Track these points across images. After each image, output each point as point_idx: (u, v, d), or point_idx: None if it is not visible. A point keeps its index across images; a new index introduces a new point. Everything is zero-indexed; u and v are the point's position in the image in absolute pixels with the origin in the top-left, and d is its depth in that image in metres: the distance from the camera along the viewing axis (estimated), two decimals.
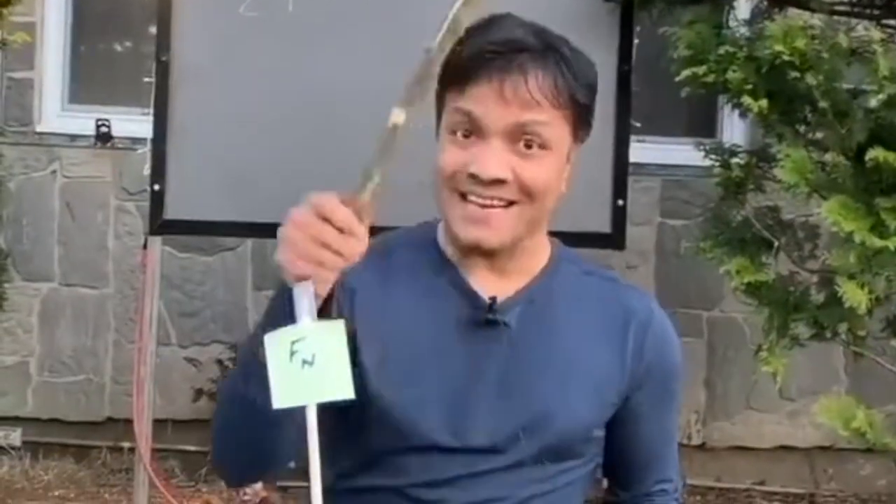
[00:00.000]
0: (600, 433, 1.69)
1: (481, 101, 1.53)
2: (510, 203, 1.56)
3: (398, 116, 1.38)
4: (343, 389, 1.43)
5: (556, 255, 1.69)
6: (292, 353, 1.43)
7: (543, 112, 1.54)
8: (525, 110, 1.53)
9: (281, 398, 1.44)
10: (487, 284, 1.62)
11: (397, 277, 1.64)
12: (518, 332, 1.61)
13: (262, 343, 1.41)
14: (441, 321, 1.62)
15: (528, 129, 1.54)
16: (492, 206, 1.55)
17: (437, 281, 1.63)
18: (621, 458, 1.75)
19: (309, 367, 1.42)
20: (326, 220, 1.37)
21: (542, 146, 1.55)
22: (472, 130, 1.55)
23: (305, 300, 1.46)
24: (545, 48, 1.55)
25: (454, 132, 1.56)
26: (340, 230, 1.37)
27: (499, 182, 1.54)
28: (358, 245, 1.38)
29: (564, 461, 1.65)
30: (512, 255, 1.62)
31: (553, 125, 1.55)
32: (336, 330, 1.45)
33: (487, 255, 1.60)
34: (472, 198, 1.55)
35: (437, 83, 1.55)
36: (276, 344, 1.44)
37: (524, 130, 1.54)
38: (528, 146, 1.54)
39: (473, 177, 1.54)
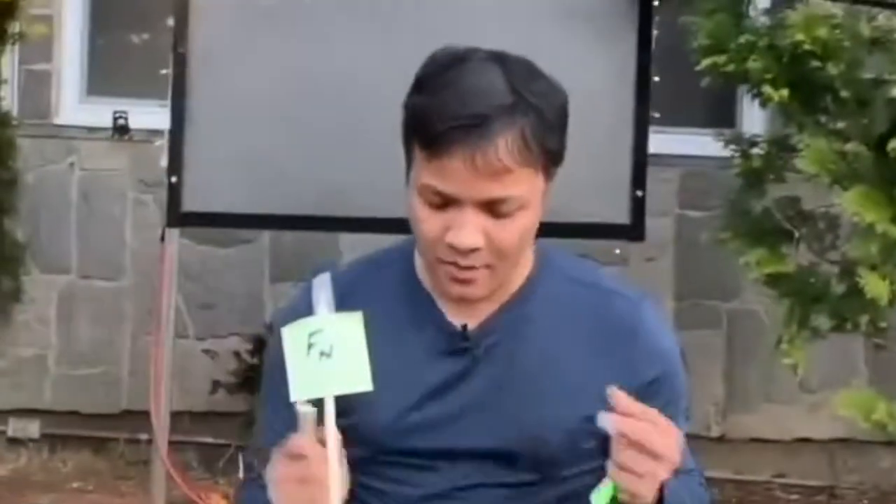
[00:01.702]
0: (590, 445, 1.61)
1: (451, 175, 1.51)
2: (487, 265, 1.57)
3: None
4: (361, 381, 1.44)
5: (540, 262, 1.68)
6: (310, 346, 1.44)
7: (514, 178, 1.52)
8: (496, 179, 1.51)
9: (299, 390, 1.44)
10: (465, 310, 1.63)
11: (371, 308, 1.57)
12: (494, 356, 1.61)
13: None
14: (416, 350, 1.63)
15: (500, 199, 1.52)
16: (472, 269, 1.56)
17: (411, 311, 1.65)
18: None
19: (327, 359, 1.43)
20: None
21: (518, 208, 1.54)
22: (446, 202, 1.54)
23: (323, 292, 1.47)
24: (513, 103, 1.51)
25: (424, 198, 1.55)
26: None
27: (474, 250, 1.54)
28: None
29: (551, 477, 1.62)
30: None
31: (525, 184, 1.54)
32: (354, 321, 1.45)
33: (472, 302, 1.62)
34: (452, 262, 1.56)
35: (404, 130, 1.57)
36: (293, 336, 1.45)
37: (497, 201, 1.53)
38: (501, 213, 1.54)
39: (451, 245, 1.54)
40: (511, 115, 1.50)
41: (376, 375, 1.49)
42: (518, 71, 1.54)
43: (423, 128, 1.52)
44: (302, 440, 1.45)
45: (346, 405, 1.49)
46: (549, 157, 1.56)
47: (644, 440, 1.44)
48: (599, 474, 1.51)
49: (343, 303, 1.54)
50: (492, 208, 1.53)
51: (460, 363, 1.62)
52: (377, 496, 1.63)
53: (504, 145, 1.49)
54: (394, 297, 1.66)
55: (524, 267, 1.66)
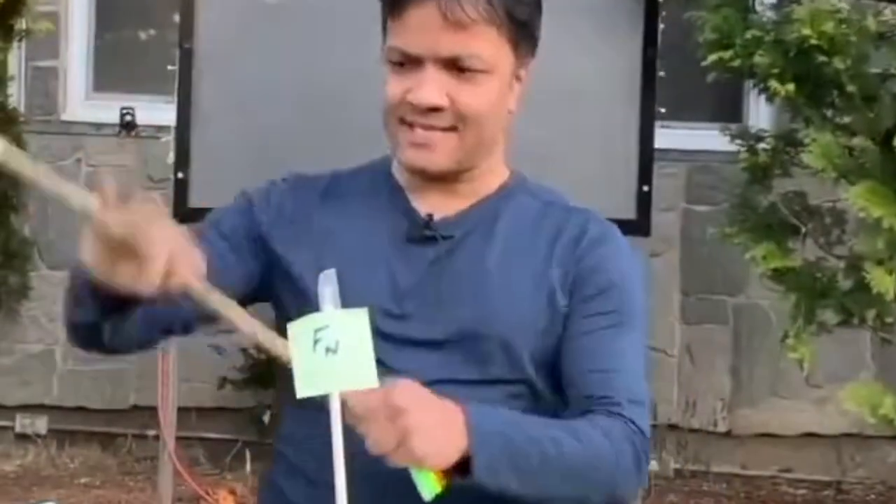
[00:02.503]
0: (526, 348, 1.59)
1: (414, 31, 1.54)
2: (449, 128, 1.56)
3: None
4: (366, 377, 1.43)
5: (513, 184, 1.68)
6: (316, 342, 1.43)
7: (478, 33, 1.53)
8: (459, 31, 1.52)
9: (304, 386, 1.44)
10: (434, 205, 1.62)
11: (340, 198, 1.66)
12: (454, 249, 1.61)
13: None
14: (379, 235, 1.62)
15: (462, 55, 1.54)
16: (432, 130, 1.56)
17: (380, 202, 1.65)
18: (562, 368, 1.60)
19: (332, 355, 1.43)
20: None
21: (481, 70, 1.55)
22: (407, 61, 1.56)
23: (328, 288, 1.47)
24: None
25: (391, 62, 1.58)
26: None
27: (436, 109, 1.55)
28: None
29: (493, 372, 1.58)
30: (460, 178, 1.62)
31: (489, 45, 1.55)
32: (360, 318, 1.45)
33: (435, 178, 1.60)
34: (415, 125, 1.56)
35: (381, 9, 1.61)
36: (300, 332, 1.45)
37: (458, 58, 1.54)
38: (464, 71, 1.54)
39: (411, 104, 1.55)
40: None
41: (343, 260, 1.53)
42: None
43: None
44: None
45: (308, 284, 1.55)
46: (518, 28, 1.57)
47: (371, 407, 1.38)
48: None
49: (326, 194, 1.65)
50: (454, 67, 1.54)
51: (426, 254, 1.61)
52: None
53: (467, 1, 1.52)
54: (368, 190, 1.67)
55: (497, 175, 1.66)
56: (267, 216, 1.67)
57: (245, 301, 1.59)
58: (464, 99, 1.55)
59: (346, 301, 1.45)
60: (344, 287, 1.47)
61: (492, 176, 1.66)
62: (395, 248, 1.62)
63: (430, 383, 1.45)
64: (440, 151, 1.57)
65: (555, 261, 1.61)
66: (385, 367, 1.45)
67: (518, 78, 1.61)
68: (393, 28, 1.57)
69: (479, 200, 1.64)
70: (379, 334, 1.46)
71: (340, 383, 1.43)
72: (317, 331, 1.44)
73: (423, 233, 1.61)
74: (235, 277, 1.63)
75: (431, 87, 1.54)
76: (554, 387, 1.61)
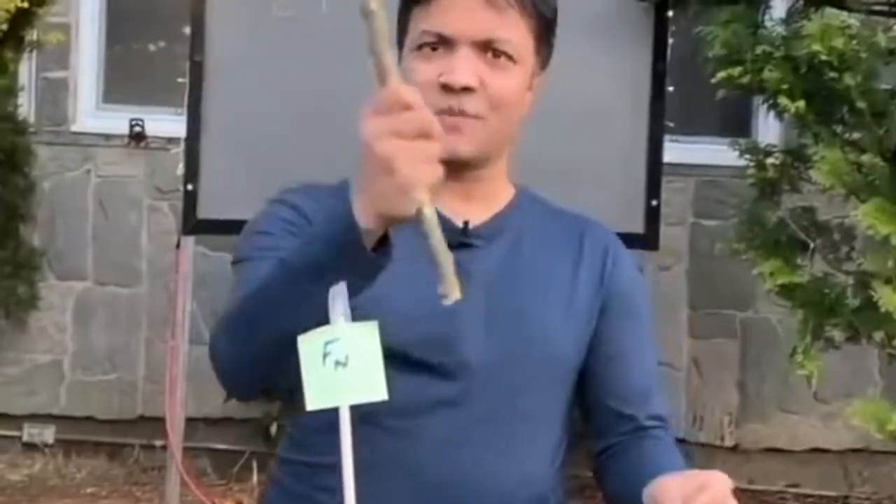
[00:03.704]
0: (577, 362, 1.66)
1: (448, 11, 1.55)
2: (476, 115, 1.56)
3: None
4: (376, 391, 1.42)
5: (521, 193, 1.70)
6: (325, 355, 1.42)
7: (512, 20, 1.56)
8: (495, 15, 1.55)
9: (314, 399, 1.43)
10: (456, 210, 1.61)
11: None
12: (493, 257, 1.62)
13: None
14: (414, 246, 1.53)
15: (497, 38, 1.56)
16: (462, 116, 1.55)
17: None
18: (608, 390, 1.68)
19: (342, 368, 1.41)
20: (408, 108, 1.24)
21: (510, 58, 1.57)
22: (440, 44, 1.56)
23: (339, 301, 1.45)
24: None
25: (420, 48, 1.57)
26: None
27: (468, 90, 1.55)
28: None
29: (546, 389, 1.63)
30: (479, 178, 1.62)
31: (520, 34, 1.57)
32: (370, 331, 1.43)
33: (458, 171, 1.56)
34: (445, 111, 1.54)
35: (399, 6, 1.59)
36: (309, 344, 1.43)
37: (493, 40, 1.56)
38: (497, 56, 1.56)
39: (444, 87, 1.54)
40: None
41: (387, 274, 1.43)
42: None
43: None
44: (407, 87, 1.24)
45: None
46: (543, 24, 1.60)
47: None
48: None
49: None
50: (487, 49, 1.55)
51: (464, 264, 1.51)
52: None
53: None
54: None
55: (506, 189, 1.68)
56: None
57: None
58: (495, 83, 1.56)
59: (394, 318, 1.45)
60: (391, 301, 1.47)
61: (503, 181, 1.67)
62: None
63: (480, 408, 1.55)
64: (468, 135, 1.56)
65: (582, 275, 1.65)
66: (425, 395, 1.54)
67: (533, 83, 1.63)
68: (422, 13, 1.57)
69: (501, 210, 1.66)
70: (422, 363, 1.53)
71: (350, 397, 1.42)
72: (326, 344, 1.42)
73: (461, 240, 1.59)
74: None
75: (467, 67, 1.54)
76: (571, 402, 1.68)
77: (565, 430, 1.67)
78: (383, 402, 1.47)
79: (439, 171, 1.24)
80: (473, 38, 1.55)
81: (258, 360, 1.49)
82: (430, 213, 1.26)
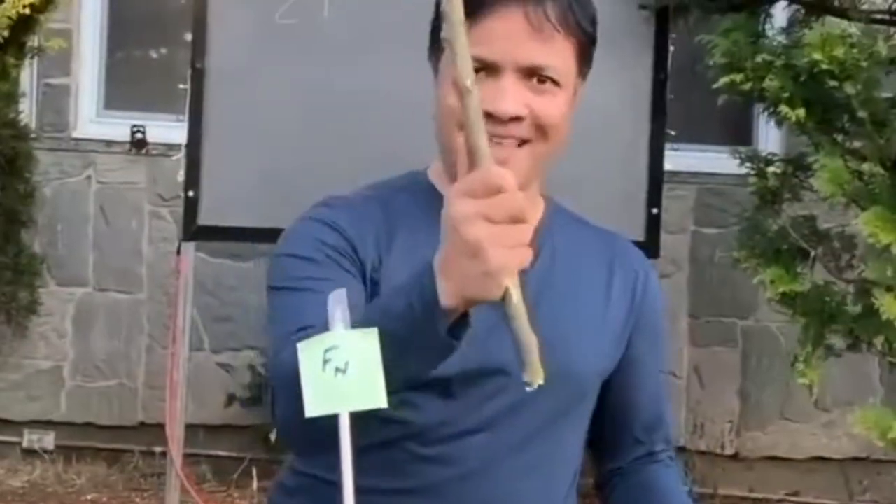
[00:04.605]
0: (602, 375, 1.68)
1: (497, 37, 1.50)
2: (523, 142, 1.52)
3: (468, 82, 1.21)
4: (375, 398, 1.41)
5: (550, 207, 1.68)
6: (325, 362, 1.41)
7: (559, 45, 1.52)
8: (542, 40, 1.50)
9: (314, 406, 1.41)
10: None
11: (401, 225, 1.57)
12: (532, 279, 1.54)
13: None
14: None
15: (543, 65, 1.51)
16: (510, 142, 1.52)
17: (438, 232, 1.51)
18: (627, 414, 1.71)
19: (342, 376, 1.41)
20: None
21: (555, 82, 1.53)
22: (483, 68, 1.49)
23: (339, 308, 1.44)
24: None
25: None
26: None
27: (515, 119, 1.51)
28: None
29: (573, 415, 1.63)
30: None
31: (565, 58, 1.53)
32: (370, 338, 1.42)
33: None
34: (491, 136, 1.41)
35: (434, 21, 1.55)
36: (308, 352, 1.43)
37: (539, 67, 1.51)
38: (542, 82, 1.52)
39: (489, 115, 1.45)
40: None
41: None
42: None
43: None
44: (502, 171, 1.20)
45: None
46: (584, 42, 1.56)
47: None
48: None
49: (388, 221, 1.54)
50: (533, 76, 1.51)
51: None
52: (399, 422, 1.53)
53: (552, 7, 1.51)
54: (422, 211, 1.55)
55: (539, 206, 1.65)
56: (362, 247, 1.55)
57: None
58: (542, 109, 1.52)
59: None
60: None
61: (537, 200, 1.64)
62: None
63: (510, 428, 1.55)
64: (514, 167, 1.48)
65: (614, 296, 1.65)
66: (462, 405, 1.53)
67: (574, 101, 1.59)
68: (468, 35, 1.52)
69: (535, 228, 1.56)
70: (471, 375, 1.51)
71: (349, 404, 1.41)
72: (326, 351, 1.41)
73: None
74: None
75: (514, 97, 1.50)
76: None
77: (583, 451, 1.69)
78: (416, 428, 1.52)
79: (528, 254, 1.21)
80: (519, 64, 1.50)
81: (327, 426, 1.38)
82: (516, 298, 1.22)
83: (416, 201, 1.59)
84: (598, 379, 1.64)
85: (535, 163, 1.54)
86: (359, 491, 1.41)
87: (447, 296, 1.23)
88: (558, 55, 1.52)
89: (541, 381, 1.25)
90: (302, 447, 1.53)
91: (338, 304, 1.45)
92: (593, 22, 1.58)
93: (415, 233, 1.55)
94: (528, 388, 1.23)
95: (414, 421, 1.53)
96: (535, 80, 1.51)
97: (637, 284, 1.67)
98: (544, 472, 1.60)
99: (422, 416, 1.53)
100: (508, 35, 1.49)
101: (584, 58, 1.57)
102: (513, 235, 1.19)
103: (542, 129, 1.52)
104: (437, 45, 1.55)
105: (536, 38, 1.50)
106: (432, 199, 1.52)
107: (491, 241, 1.18)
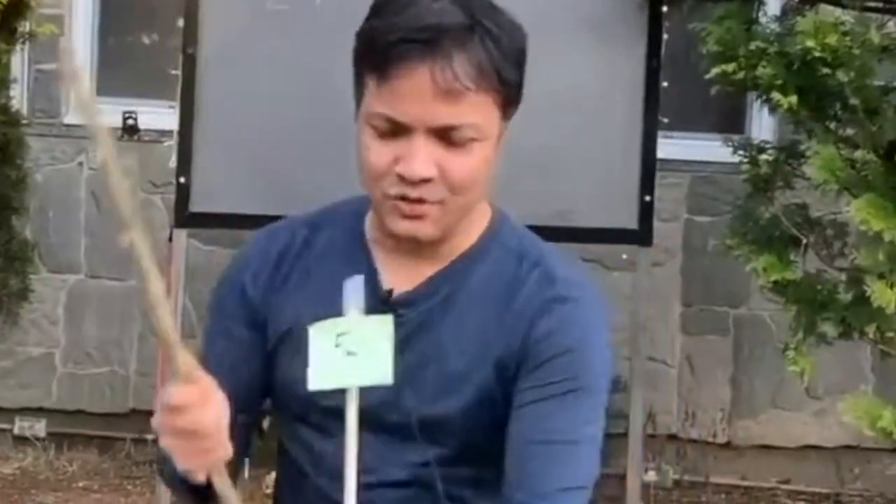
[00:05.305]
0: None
1: (404, 98, 1.45)
2: (439, 201, 1.50)
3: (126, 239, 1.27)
4: (383, 375, 1.44)
5: (489, 235, 1.60)
6: (337, 345, 1.45)
7: (471, 102, 1.46)
8: (451, 102, 1.45)
9: (318, 381, 1.46)
10: (401, 273, 1.57)
11: (314, 268, 1.61)
12: (414, 325, 1.55)
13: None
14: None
15: (455, 125, 1.46)
16: (422, 203, 1.49)
17: (350, 268, 1.54)
18: (508, 455, 1.55)
19: (352, 357, 1.45)
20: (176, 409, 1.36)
21: (472, 139, 1.48)
22: (395, 128, 1.47)
23: (354, 293, 1.47)
24: (468, 25, 1.45)
25: (374, 127, 1.48)
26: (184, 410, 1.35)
27: (425, 181, 1.47)
28: (211, 407, 1.36)
29: (461, 451, 1.57)
30: (440, 241, 1.55)
31: (482, 113, 1.48)
32: (384, 325, 1.45)
33: (419, 246, 1.54)
34: (403, 197, 1.49)
35: (355, 60, 1.51)
36: (321, 333, 1.45)
37: (451, 127, 1.46)
38: (455, 141, 1.47)
39: (401, 177, 1.47)
40: (469, 34, 1.45)
41: (306, 329, 1.49)
42: (477, 2, 1.49)
43: (377, 46, 1.46)
44: (181, 390, 1.35)
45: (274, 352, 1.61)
46: (507, 90, 1.50)
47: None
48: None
49: (302, 249, 1.61)
50: (445, 136, 1.47)
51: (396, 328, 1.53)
52: (304, 449, 1.63)
53: (460, 64, 1.44)
54: (338, 253, 1.61)
55: (475, 228, 1.59)
56: (256, 292, 1.64)
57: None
58: (455, 170, 1.48)
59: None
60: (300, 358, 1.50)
61: (465, 236, 1.58)
62: None
63: (378, 467, 1.54)
64: (430, 222, 1.50)
65: (506, 332, 1.55)
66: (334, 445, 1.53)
67: (501, 139, 1.54)
68: (375, 90, 1.47)
69: (446, 266, 1.57)
70: (337, 412, 1.49)
71: (356, 379, 1.45)
72: (339, 335, 1.45)
73: (382, 309, 1.52)
74: (256, 376, 1.64)
75: (423, 159, 1.46)
76: (498, 466, 1.55)
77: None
78: (317, 448, 1.61)
79: (216, 456, 1.37)
80: (428, 126, 1.46)
81: None
82: (217, 483, 1.39)
83: (335, 243, 1.62)
84: (466, 422, 1.55)
85: (447, 214, 1.51)
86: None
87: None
88: (472, 112, 1.47)
89: None
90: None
91: (354, 291, 1.48)
92: (518, 62, 1.51)
93: (312, 281, 1.60)
94: None
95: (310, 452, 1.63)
96: (448, 139, 1.47)
97: (538, 304, 1.54)
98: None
99: (314, 447, 1.62)
100: (415, 96, 1.44)
101: (508, 103, 1.52)
102: (193, 446, 1.36)
103: (453, 188, 1.49)
104: (359, 84, 1.51)
105: (445, 99, 1.44)
106: (352, 242, 1.61)
107: (176, 450, 1.38)
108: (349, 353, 1.44)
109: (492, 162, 1.52)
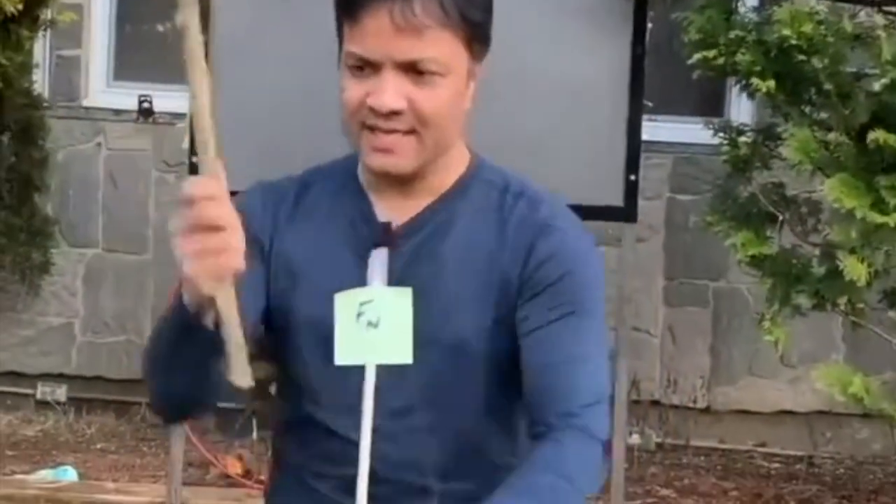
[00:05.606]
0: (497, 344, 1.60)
1: (370, 36, 1.52)
2: (409, 131, 1.55)
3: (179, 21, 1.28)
4: (402, 353, 1.52)
5: (469, 175, 1.65)
6: (359, 314, 1.52)
7: (432, 37, 1.52)
8: (414, 36, 1.51)
9: (343, 355, 1.53)
10: (394, 209, 1.61)
11: (312, 210, 1.65)
12: (412, 255, 1.60)
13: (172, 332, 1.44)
14: (346, 247, 1.62)
15: (418, 59, 1.53)
16: (394, 134, 1.55)
17: (347, 210, 1.63)
18: (521, 364, 1.58)
19: (373, 329, 1.51)
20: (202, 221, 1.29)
21: (438, 73, 1.54)
22: (365, 65, 1.54)
23: (378, 264, 1.55)
24: None
25: (349, 67, 1.55)
26: (217, 225, 1.29)
27: (395, 113, 1.53)
28: (235, 231, 1.31)
29: (461, 373, 1.59)
30: (422, 176, 1.61)
31: (444, 48, 1.54)
32: (404, 296, 1.53)
33: (399, 179, 1.60)
34: (376, 129, 1.55)
35: (335, 11, 1.59)
36: (344, 303, 1.53)
37: (416, 61, 1.53)
38: (423, 73, 1.53)
39: (372, 109, 1.54)
40: None
41: (305, 271, 1.56)
42: None
43: None
44: (208, 180, 1.30)
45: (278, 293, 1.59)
46: (472, 29, 1.56)
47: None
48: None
49: (297, 202, 1.64)
50: (412, 70, 1.53)
51: (390, 260, 1.59)
52: (304, 381, 1.63)
53: (420, 2, 1.51)
54: (336, 195, 1.65)
55: (455, 166, 1.64)
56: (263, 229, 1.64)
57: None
58: (422, 102, 1.54)
59: (322, 316, 1.55)
60: (317, 303, 1.55)
61: (447, 172, 1.64)
62: (361, 258, 1.60)
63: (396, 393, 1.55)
64: (403, 155, 1.56)
65: (506, 255, 1.59)
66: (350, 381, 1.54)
67: (473, 76, 1.60)
68: (349, 33, 1.55)
69: (436, 199, 1.63)
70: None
71: (377, 356, 1.50)
72: (361, 304, 1.52)
73: (382, 240, 1.59)
74: (257, 309, 1.61)
75: (390, 92, 1.52)
76: (509, 393, 1.60)
77: (491, 423, 1.63)
78: (312, 391, 1.61)
79: (230, 259, 1.29)
80: (395, 60, 1.52)
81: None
82: (221, 302, 1.28)
83: (333, 187, 1.66)
84: (479, 346, 1.58)
85: (423, 148, 1.56)
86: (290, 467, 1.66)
87: (186, 295, 1.37)
88: (434, 47, 1.52)
89: (248, 383, 1.33)
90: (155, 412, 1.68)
91: (378, 262, 1.57)
92: (483, 4, 1.58)
93: (312, 219, 1.64)
94: (238, 388, 1.34)
95: (309, 382, 1.62)
96: (415, 73, 1.53)
97: (531, 231, 1.60)
98: (437, 436, 1.59)
99: (311, 374, 1.62)
100: (379, 33, 1.51)
101: (475, 39, 1.57)
102: (208, 244, 1.28)
103: (423, 120, 1.54)
104: (339, 33, 1.58)
105: (405, 34, 1.51)
106: (346, 186, 1.65)
107: (186, 251, 1.29)
108: (370, 324, 1.49)
109: (462, 97, 1.59)
